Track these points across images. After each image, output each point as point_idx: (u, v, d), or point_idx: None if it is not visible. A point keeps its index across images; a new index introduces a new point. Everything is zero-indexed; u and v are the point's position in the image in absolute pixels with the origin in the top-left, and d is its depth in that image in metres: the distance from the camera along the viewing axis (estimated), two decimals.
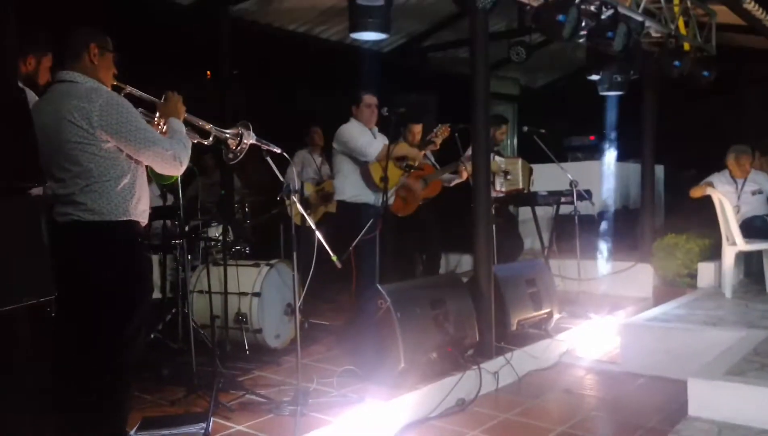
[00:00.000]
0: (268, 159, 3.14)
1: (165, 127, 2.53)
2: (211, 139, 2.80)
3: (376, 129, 4.82)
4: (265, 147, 3.08)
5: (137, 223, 2.39)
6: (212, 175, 6.50)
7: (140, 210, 2.41)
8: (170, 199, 4.53)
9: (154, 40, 5.83)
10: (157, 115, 2.58)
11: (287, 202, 3.25)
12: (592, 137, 9.19)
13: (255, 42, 6.59)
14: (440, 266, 6.16)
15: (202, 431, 2.78)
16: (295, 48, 7.13)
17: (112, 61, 2.45)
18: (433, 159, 5.80)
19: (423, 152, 5.08)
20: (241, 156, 2.85)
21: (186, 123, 2.64)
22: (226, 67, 5.96)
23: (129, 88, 2.52)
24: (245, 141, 2.82)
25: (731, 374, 3.01)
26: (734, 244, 5.30)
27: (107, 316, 2.25)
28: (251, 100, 6.57)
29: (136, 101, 2.54)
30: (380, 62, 7.91)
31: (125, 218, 2.33)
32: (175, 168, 2.44)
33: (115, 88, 2.49)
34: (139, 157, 2.37)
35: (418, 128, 5.45)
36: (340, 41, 7.38)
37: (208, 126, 2.78)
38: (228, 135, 2.82)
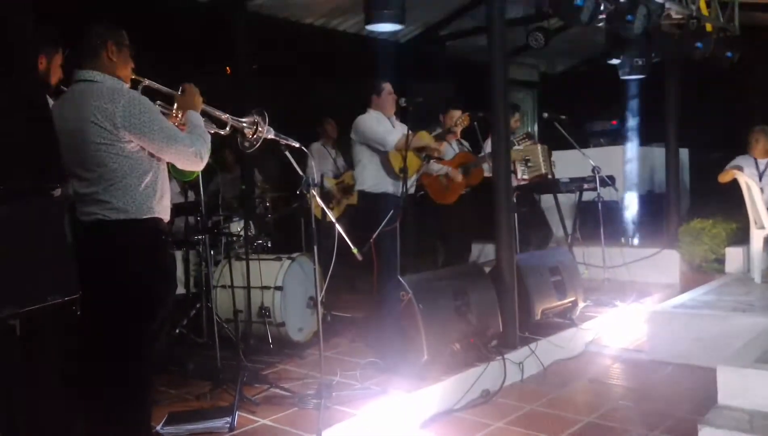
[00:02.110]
0: (287, 153, 3.14)
1: (183, 119, 2.54)
2: (227, 128, 2.80)
3: (395, 118, 4.80)
4: (283, 142, 3.08)
5: (161, 220, 2.41)
6: (233, 170, 6.54)
7: (163, 206, 2.42)
8: (191, 195, 4.56)
9: (173, 36, 5.87)
10: (175, 107, 2.58)
11: (307, 196, 3.24)
12: (614, 122, 9.07)
13: (273, 36, 6.60)
14: (469, 255, 6.13)
15: (228, 425, 2.81)
16: (313, 41, 7.13)
17: (129, 55, 2.45)
18: (468, 146, 5.76)
19: (443, 143, 5.05)
20: (258, 144, 2.85)
21: (203, 114, 2.64)
22: (243, 62, 5.99)
23: (147, 81, 2.52)
24: (261, 129, 2.82)
25: (761, 362, 2.94)
26: (762, 227, 5.18)
27: (133, 312, 2.27)
28: (269, 93, 6.59)
29: (155, 94, 2.55)
30: (398, 52, 7.88)
31: (149, 216, 2.34)
32: (197, 164, 2.45)
33: (133, 82, 2.49)
34: (162, 156, 2.38)
35: (457, 113, 5.40)
36: (357, 33, 7.35)
37: (225, 116, 2.78)
38: (244, 124, 2.83)
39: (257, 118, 2.84)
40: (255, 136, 2.84)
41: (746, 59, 6.56)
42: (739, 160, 5.81)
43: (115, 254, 2.29)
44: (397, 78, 4.99)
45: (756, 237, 5.21)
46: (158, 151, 2.35)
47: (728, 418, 2.69)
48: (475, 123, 5.08)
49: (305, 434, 2.76)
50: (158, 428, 2.80)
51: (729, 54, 6.28)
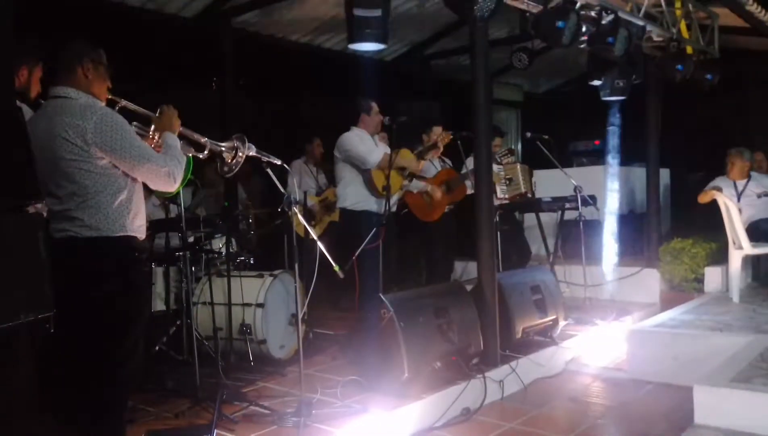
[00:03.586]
0: (269, 171, 3.15)
1: (160, 141, 2.54)
2: (206, 152, 2.81)
3: (377, 137, 4.84)
4: (265, 159, 3.09)
5: (134, 238, 2.40)
6: (216, 186, 6.52)
7: (137, 225, 2.41)
8: (174, 210, 4.55)
9: (157, 52, 5.89)
10: (152, 129, 2.58)
11: (289, 213, 3.25)
12: (597, 142, 9.17)
13: (257, 53, 6.64)
14: (451, 273, 6.16)
15: None
16: (298, 58, 7.17)
17: (105, 74, 2.45)
18: (450, 163, 5.80)
19: (422, 163, 5.09)
20: (237, 169, 2.86)
21: (181, 136, 2.64)
22: (229, 79, 6.01)
23: (123, 102, 2.53)
24: (240, 154, 2.83)
25: (737, 381, 2.98)
26: (741, 248, 5.26)
27: (105, 330, 2.25)
28: (254, 109, 6.61)
29: (131, 115, 2.55)
30: (383, 71, 7.94)
31: (122, 234, 2.33)
32: (170, 185, 2.44)
33: (109, 102, 2.49)
34: (134, 174, 2.38)
35: (438, 129, 5.45)
36: (342, 51, 7.41)
37: (203, 139, 2.79)
38: (223, 148, 2.84)
39: (237, 143, 2.85)
40: (234, 160, 2.84)
41: (725, 82, 6.69)
42: (718, 181, 5.90)
43: (86, 273, 2.27)
44: (381, 96, 5.04)
45: (734, 257, 5.28)
46: (130, 169, 2.34)
47: None
48: (458, 141, 5.13)
49: None
50: None
51: (709, 76, 6.39)
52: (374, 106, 4.66)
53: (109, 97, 2.50)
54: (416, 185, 5.30)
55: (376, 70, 7.65)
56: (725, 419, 2.79)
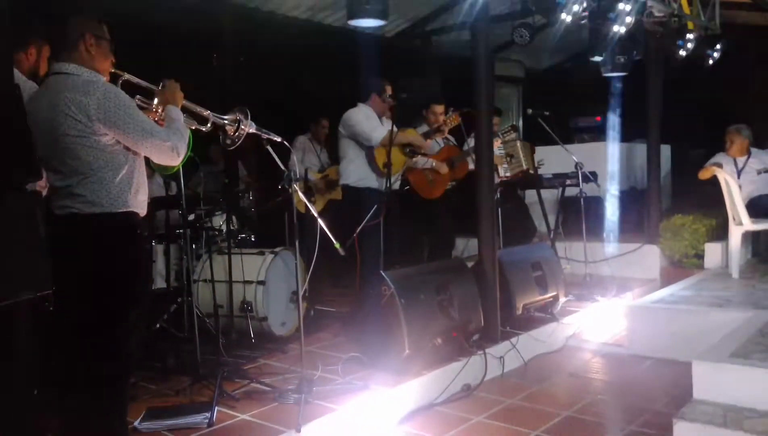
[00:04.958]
0: (269, 148, 3.13)
1: (163, 114, 2.52)
2: (209, 125, 2.79)
3: (384, 117, 4.81)
4: (265, 136, 3.07)
5: (136, 214, 2.38)
6: (217, 163, 6.51)
7: (139, 201, 2.40)
8: (174, 188, 4.53)
9: (158, 29, 5.82)
10: (155, 102, 2.56)
11: (289, 190, 3.24)
12: (598, 118, 9.11)
13: (257, 29, 6.57)
14: (453, 250, 6.16)
15: (207, 420, 2.79)
16: (298, 34, 7.08)
17: (108, 49, 2.41)
18: (454, 140, 5.78)
19: (429, 141, 5.07)
20: (240, 142, 2.84)
21: (184, 109, 2.62)
22: (229, 55, 5.95)
23: (127, 76, 2.49)
24: (243, 127, 2.81)
25: (736, 356, 2.99)
26: (741, 224, 5.26)
27: (106, 307, 2.25)
28: (255, 86, 6.55)
29: (135, 88, 2.52)
30: (384, 46, 7.86)
31: (124, 210, 2.32)
32: (173, 159, 2.42)
33: (113, 76, 2.46)
34: (138, 149, 2.36)
35: (440, 109, 5.41)
36: (343, 26, 7.31)
37: (206, 112, 2.77)
38: (226, 121, 2.82)
39: (239, 116, 2.83)
40: (237, 133, 2.83)
41: (727, 58, 6.62)
42: (718, 157, 5.88)
43: (88, 249, 2.25)
44: (383, 72, 4.99)
45: (734, 233, 5.28)
46: (133, 144, 2.32)
47: (702, 412, 2.73)
48: (461, 119, 5.10)
49: (285, 429, 2.76)
50: (136, 423, 2.79)
51: (710, 51, 6.34)
52: (389, 88, 4.61)
53: (112, 70, 2.47)
54: (422, 161, 5.28)
55: (377, 46, 7.58)
56: (724, 394, 2.81)
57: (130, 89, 2.47)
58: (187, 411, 2.89)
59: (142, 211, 2.42)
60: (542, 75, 10.33)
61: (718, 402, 2.81)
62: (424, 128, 5.37)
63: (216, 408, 2.91)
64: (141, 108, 2.45)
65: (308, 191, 5.69)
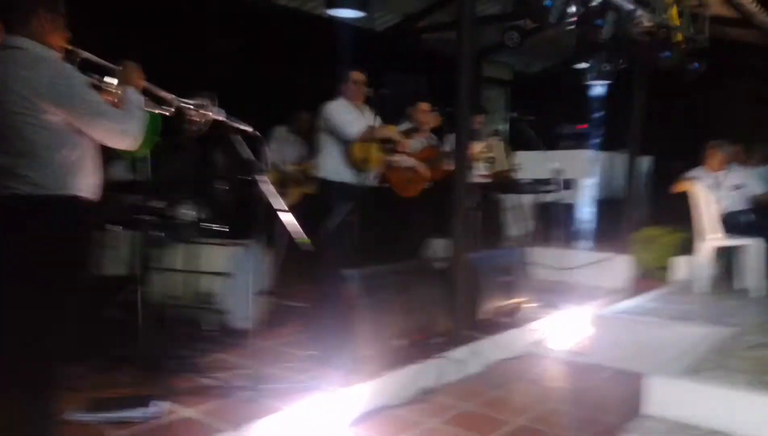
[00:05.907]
0: (238, 137, 3.08)
1: (121, 96, 2.46)
2: (172, 109, 2.74)
3: (366, 107, 4.78)
4: (234, 125, 3.02)
5: (84, 198, 2.31)
6: (194, 149, 6.43)
7: (88, 184, 2.33)
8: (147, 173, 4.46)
9: (140, 17, 5.75)
10: (114, 83, 2.50)
11: (258, 181, 3.20)
12: (585, 125, 9.11)
13: (244, 17, 6.50)
14: (426, 250, 6.14)
15: (147, 415, 2.75)
16: (286, 24, 7.02)
17: (63, 24, 2.34)
18: (436, 140, 5.75)
19: (410, 139, 5.05)
20: (204, 129, 2.79)
21: (145, 92, 2.56)
22: (212, 43, 5.89)
23: (85, 54, 2.43)
24: (209, 113, 2.76)
25: (687, 372, 3.00)
26: (709, 238, 5.28)
27: (40, 295, 2.18)
28: (239, 75, 6.50)
29: (93, 67, 2.46)
30: (373, 41, 7.81)
31: (69, 193, 2.24)
32: (127, 143, 2.35)
33: (70, 54, 2.40)
34: (88, 131, 2.28)
35: (426, 107, 5.38)
36: (332, 18, 7.26)
37: (170, 96, 2.72)
38: (191, 106, 2.77)
39: (205, 102, 2.79)
40: (202, 120, 2.78)
41: (714, 72, 6.63)
42: (695, 172, 5.90)
43: (28, 231, 2.18)
44: (371, 67, 4.95)
45: (702, 248, 5.30)
46: (84, 126, 2.25)
47: (648, 428, 2.74)
48: (443, 118, 5.09)
49: (228, 427, 2.71)
50: (77, 415, 2.74)
51: (696, 65, 6.35)
52: (352, 75, 4.59)
53: (70, 48, 2.40)
54: (404, 161, 5.25)
55: (366, 40, 7.53)
56: (671, 410, 2.82)
57: (89, 69, 2.41)
58: (128, 404, 2.81)
59: (93, 195, 2.35)
60: (531, 79, 10.31)
61: (665, 418, 2.83)
62: (407, 126, 5.35)
63: (159, 402, 2.86)
64: (97, 88, 2.39)
65: (283, 183, 5.65)
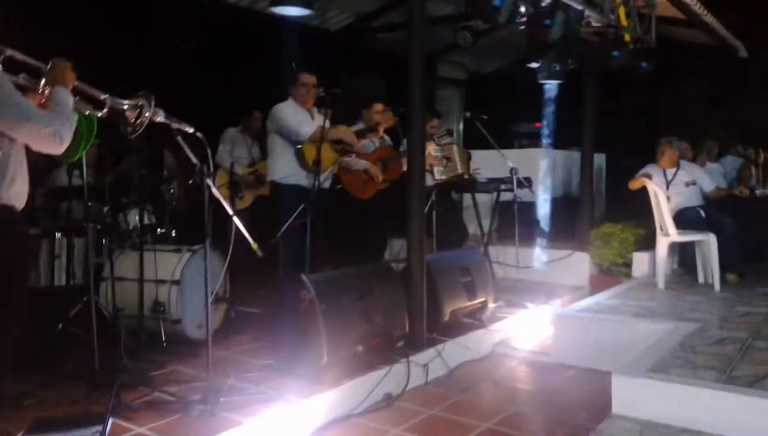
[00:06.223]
0: (179, 139, 2.91)
1: (49, 96, 2.26)
2: (105, 110, 2.55)
3: (315, 109, 4.65)
4: (176, 126, 2.86)
5: (10, 207, 2.13)
6: (143, 151, 6.17)
7: (13, 192, 2.14)
8: (90, 178, 4.22)
9: (88, 14, 5.49)
10: (42, 82, 2.30)
11: (203, 185, 3.04)
12: (538, 124, 9.20)
13: (194, 16, 6.28)
14: (385, 252, 6.04)
15: (97, 434, 2.56)
16: (238, 24, 6.83)
17: None
18: (389, 140, 5.65)
19: (362, 141, 4.93)
20: (141, 130, 2.61)
21: (76, 92, 2.38)
22: (162, 43, 5.66)
23: (9, 51, 2.23)
24: (146, 114, 2.58)
25: (655, 371, 2.98)
26: (667, 234, 5.34)
27: None
28: (189, 75, 6.29)
29: (19, 66, 2.27)
30: (327, 41, 7.68)
31: None
32: (55, 146, 2.17)
33: None
34: (13, 135, 2.10)
35: (380, 107, 5.27)
36: (285, 17, 7.10)
37: (103, 96, 2.53)
38: (125, 106, 2.58)
39: (142, 102, 2.60)
40: (138, 121, 2.60)
41: (661, 71, 6.75)
42: (648, 169, 5.97)
43: None
44: (325, 68, 4.82)
45: (661, 243, 5.36)
46: (8, 129, 2.07)
47: (620, 429, 2.70)
48: (398, 119, 4.99)
49: None
50: (19, 435, 2.54)
51: (644, 64, 6.44)
52: (303, 77, 4.45)
53: None
54: (356, 163, 5.13)
55: (320, 40, 7.39)
56: (642, 409, 2.78)
57: (15, 67, 2.21)
58: (77, 423, 2.63)
59: (18, 203, 2.17)
60: (486, 79, 10.35)
61: (637, 417, 2.79)
62: (360, 126, 5.23)
63: (110, 420, 2.66)
64: (24, 88, 2.20)
65: (236, 186, 5.47)
